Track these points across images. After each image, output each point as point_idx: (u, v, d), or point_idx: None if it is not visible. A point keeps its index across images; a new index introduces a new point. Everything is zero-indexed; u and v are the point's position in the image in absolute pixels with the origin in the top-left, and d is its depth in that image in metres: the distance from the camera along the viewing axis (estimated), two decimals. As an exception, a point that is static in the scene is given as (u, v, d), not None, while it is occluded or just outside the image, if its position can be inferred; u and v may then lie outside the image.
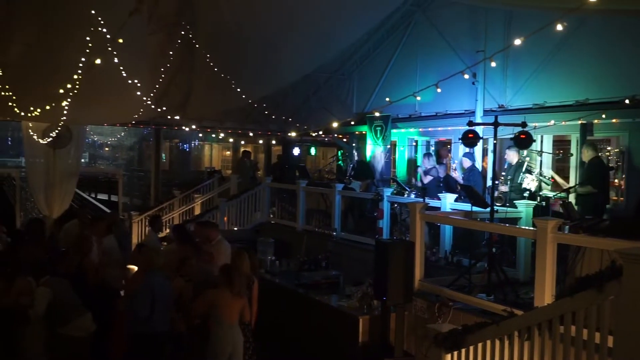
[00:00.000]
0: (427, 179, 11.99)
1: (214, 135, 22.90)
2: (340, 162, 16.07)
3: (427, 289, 7.75)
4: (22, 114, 12.17)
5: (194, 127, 17.71)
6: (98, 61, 8.76)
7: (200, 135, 26.07)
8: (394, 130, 14.72)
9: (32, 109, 11.74)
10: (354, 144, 14.88)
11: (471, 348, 5.61)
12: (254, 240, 12.03)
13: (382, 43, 16.16)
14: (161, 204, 17.78)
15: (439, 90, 9.01)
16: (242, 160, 19.47)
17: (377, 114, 14.17)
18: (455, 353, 5.75)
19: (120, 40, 8.45)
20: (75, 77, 9.56)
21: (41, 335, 7.03)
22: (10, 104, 11.57)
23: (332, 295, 8.91)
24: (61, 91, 9.68)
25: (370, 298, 8.04)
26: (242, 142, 27.72)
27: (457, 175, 11.84)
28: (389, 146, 14.63)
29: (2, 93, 11.27)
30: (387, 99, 12.78)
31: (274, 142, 21.99)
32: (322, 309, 8.60)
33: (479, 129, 8.40)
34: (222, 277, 7.06)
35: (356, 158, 14.83)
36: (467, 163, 11.20)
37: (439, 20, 14.16)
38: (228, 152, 31.70)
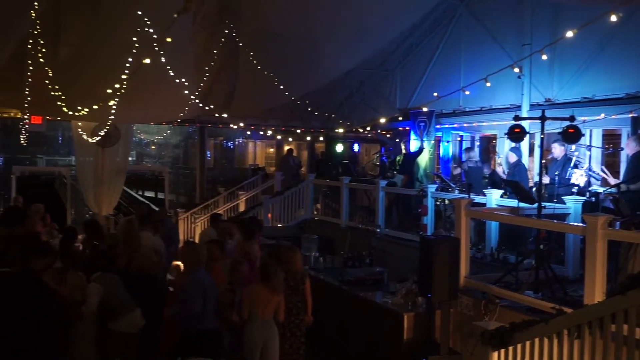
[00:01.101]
0: (457, 171, 11.85)
1: (260, 132, 23.04)
2: (383, 158, 16.01)
3: (473, 286, 7.66)
4: (71, 113, 12.47)
5: (240, 124, 17.88)
6: (147, 60, 8.92)
7: (248, 132, 26.29)
8: (437, 126, 14.59)
9: (79, 108, 12.03)
10: (397, 140, 14.80)
11: (519, 346, 5.53)
12: (298, 236, 12.09)
13: (425, 38, 16.02)
14: (206, 201, 18.02)
15: (488, 84, 8.91)
16: (286, 157, 19.58)
17: (425, 109, 14.04)
18: (503, 351, 5.67)
19: (169, 40, 8.60)
20: (123, 77, 9.75)
21: (91, 331, 7.22)
22: (59, 103, 11.87)
23: (376, 291, 8.89)
24: (109, 91, 9.90)
25: (414, 295, 8.00)
26: (282, 138, 27.87)
27: (502, 170, 11.67)
28: (432, 141, 14.50)
29: (52, 93, 11.56)
30: (435, 94, 12.69)
31: (319, 138, 22.02)
32: (366, 306, 8.60)
33: (525, 124, 8.28)
34: (260, 273, 7.11)
35: (402, 151, 14.72)
36: (513, 158, 11.03)
37: (483, 14, 13.97)
38: (271, 150, 31.90)
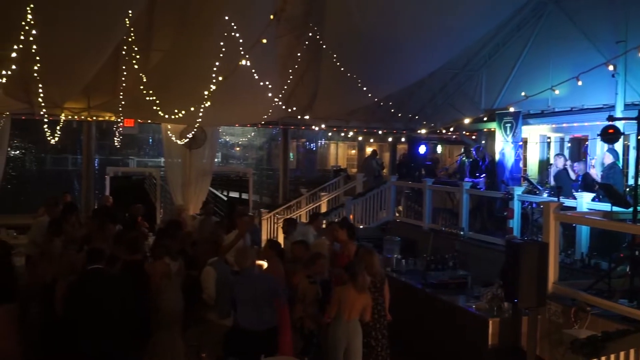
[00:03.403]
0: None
1: (342, 134, 23.16)
2: (464, 160, 15.72)
3: (562, 293, 7.40)
4: (165, 116, 12.94)
5: (322, 126, 18.03)
6: (243, 62, 9.15)
7: (330, 134, 26.50)
8: (524, 127, 14.16)
9: (176, 111, 12.46)
10: (483, 142, 14.48)
11: (612, 356, 5.31)
12: (379, 238, 12.06)
13: (512, 37, 15.61)
14: (289, 201, 18.26)
15: (579, 83, 8.58)
16: (369, 158, 19.57)
17: (511, 109, 13.68)
18: (594, 361, 5.46)
19: (264, 41, 8.78)
20: (214, 80, 10.04)
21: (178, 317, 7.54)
22: (154, 107, 12.34)
23: (459, 295, 8.77)
24: (205, 93, 10.22)
25: (500, 300, 7.82)
26: (362, 140, 27.88)
27: (596, 173, 11.20)
28: (520, 143, 14.09)
29: (147, 98, 12.04)
30: (523, 94, 12.37)
31: (401, 139, 21.91)
32: (449, 310, 8.49)
33: (619, 124, 7.90)
34: (347, 274, 7.15)
35: (478, 157, 14.42)
36: (608, 159, 10.53)
37: (574, 11, 13.45)
38: (353, 151, 31.95)
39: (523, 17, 14.94)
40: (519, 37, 15.36)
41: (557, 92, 11.08)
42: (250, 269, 7.23)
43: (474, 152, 14.00)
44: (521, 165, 14.63)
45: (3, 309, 6.50)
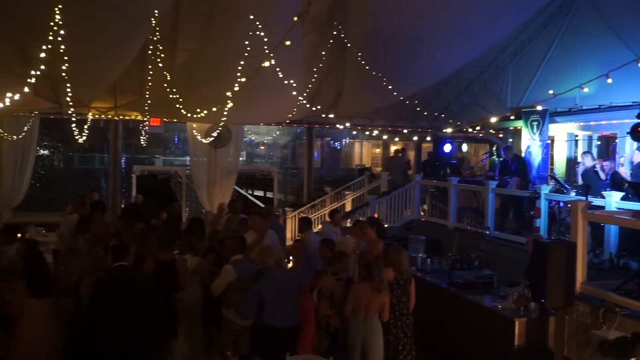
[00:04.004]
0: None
1: (367, 133, 23.11)
2: (494, 158, 15.56)
3: (591, 293, 7.29)
4: (189, 115, 13.04)
5: (347, 125, 18.01)
6: (266, 64, 9.19)
7: (354, 132, 26.46)
8: (551, 125, 13.98)
9: (198, 110, 12.55)
10: (510, 140, 14.31)
11: (642, 358, 5.22)
12: (404, 237, 12.00)
13: (538, 34, 15.45)
14: (313, 200, 18.28)
15: (609, 80, 8.43)
16: (395, 157, 19.50)
17: (538, 107, 13.51)
18: (623, 362, 5.38)
19: (288, 43, 8.81)
20: (238, 80, 10.08)
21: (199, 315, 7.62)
22: (178, 106, 12.44)
23: (485, 295, 8.67)
24: (228, 93, 10.27)
25: (526, 300, 7.73)
26: (388, 139, 27.78)
27: (625, 171, 11.01)
28: (548, 141, 13.91)
29: (171, 96, 12.14)
30: (551, 92, 12.19)
31: (426, 138, 21.77)
32: (475, 309, 8.41)
33: (650, 122, 7.76)
34: (363, 272, 7.16)
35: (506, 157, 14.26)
36: (638, 157, 10.35)
37: (603, 7, 13.26)
38: (378, 150, 31.87)
39: (550, 14, 14.78)
40: (546, 34, 15.19)
41: (586, 90, 10.91)
42: (274, 268, 7.28)
43: (502, 152, 13.84)
44: (548, 163, 14.46)
45: (40, 302, 6.61)
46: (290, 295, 7.10)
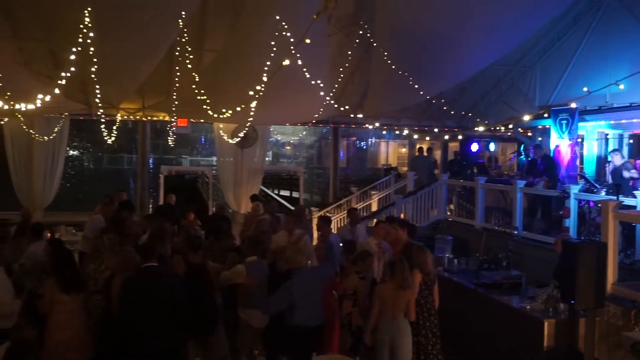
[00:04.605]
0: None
1: (396, 132, 23.01)
2: (522, 158, 15.39)
3: (622, 294, 7.18)
4: (216, 115, 13.12)
5: (376, 124, 17.96)
6: (287, 62, 9.19)
7: (383, 132, 26.38)
8: (580, 124, 13.78)
9: (224, 110, 12.62)
10: (539, 139, 14.13)
11: (675, 361, 5.11)
12: (431, 237, 11.94)
13: (567, 31, 15.24)
14: (339, 200, 18.27)
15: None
16: (419, 156, 19.40)
17: (572, 105, 13.32)
18: (656, 365, 5.28)
19: (308, 41, 8.81)
20: (264, 80, 10.11)
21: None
22: (205, 107, 12.52)
23: (513, 296, 8.58)
24: (251, 93, 10.30)
25: (556, 301, 7.63)
26: (415, 138, 27.58)
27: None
28: (578, 140, 13.71)
29: (199, 97, 12.22)
30: (585, 89, 12.03)
31: (453, 137, 21.61)
32: (502, 310, 8.33)
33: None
34: (387, 271, 7.14)
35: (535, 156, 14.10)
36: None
37: (633, 3, 13.03)
38: (404, 149, 31.70)
39: (580, 10, 14.57)
40: (576, 30, 14.98)
41: (622, 86, 10.75)
42: (304, 267, 7.32)
43: (532, 150, 13.68)
44: (577, 163, 14.26)
45: (68, 298, 6.70)
46: (318, 294, 7.12)
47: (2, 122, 15.13)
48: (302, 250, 7.69)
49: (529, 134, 17.00)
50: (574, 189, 10.72)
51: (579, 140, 13.77)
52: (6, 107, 9.71)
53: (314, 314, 7.02)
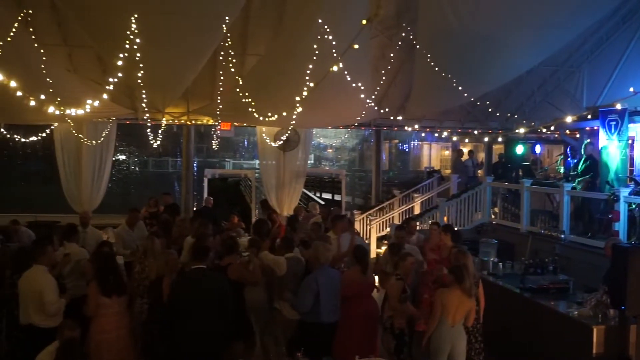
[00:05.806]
0: None
1: (435, 135, 22.84)
2: (569, 160, 15.06)
3: (675, 300, 6.94)
4: (260, 119, 13.23)
5: (415, 127, 17.86)
6: (334, 69, 9.23)
7: (424, 134, 26.21)
8: (631, 125, 13.40)
9: (269, 114, 12.70)
10: (588, 140, 13.80)
11: None
12: (475, 240, 11.79)
13: (616, 31, 14.89)
14: (381, 203, 18.21)
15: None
16: (460, 159, 19.20)
17: (618, 106, 12.98)
18: None
19: (356, 46, 8.82)
20: (308, 84, 10.14)
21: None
22: (250, 109, 12.63)
23: (560, 301, 8.38)
24: (297, 98, 10.35)
25: (605, 307, 7.42)
26: (458, 140, 27.32)
27: None
28: (628, 141, 13.35)
29: (244, 100, 12.33)
30: (631, 89, 11.71)
31: (497, 139, 21.32)
32: (549, 316, 8.15)
33: None
34: (453, 276, 7.04)
35: (584, 154, 13.77)
36: None
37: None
38: (447, 152, 31.43)
39: (629, 9, 14.23)
40: (624, 30, 14.64)
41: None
42: (327, 265, 7.40)
43: (582, 148, 13.39)
44: (627, 165, 13.87)
45: (110, 301, 6.85)
46: (338, 291, 7.25)
47: (52, 127, 15.56)
48: (327, 247, 7.77)
49: (577, 135, 16.63)
50: (624, 192, 10.44)
51: (629, 142, 13.39)
52: (57, 112, 9.95)
53: (335, 311, 7.19)
